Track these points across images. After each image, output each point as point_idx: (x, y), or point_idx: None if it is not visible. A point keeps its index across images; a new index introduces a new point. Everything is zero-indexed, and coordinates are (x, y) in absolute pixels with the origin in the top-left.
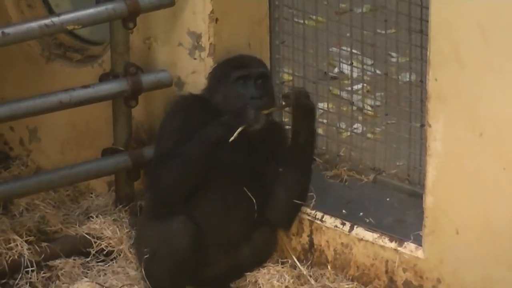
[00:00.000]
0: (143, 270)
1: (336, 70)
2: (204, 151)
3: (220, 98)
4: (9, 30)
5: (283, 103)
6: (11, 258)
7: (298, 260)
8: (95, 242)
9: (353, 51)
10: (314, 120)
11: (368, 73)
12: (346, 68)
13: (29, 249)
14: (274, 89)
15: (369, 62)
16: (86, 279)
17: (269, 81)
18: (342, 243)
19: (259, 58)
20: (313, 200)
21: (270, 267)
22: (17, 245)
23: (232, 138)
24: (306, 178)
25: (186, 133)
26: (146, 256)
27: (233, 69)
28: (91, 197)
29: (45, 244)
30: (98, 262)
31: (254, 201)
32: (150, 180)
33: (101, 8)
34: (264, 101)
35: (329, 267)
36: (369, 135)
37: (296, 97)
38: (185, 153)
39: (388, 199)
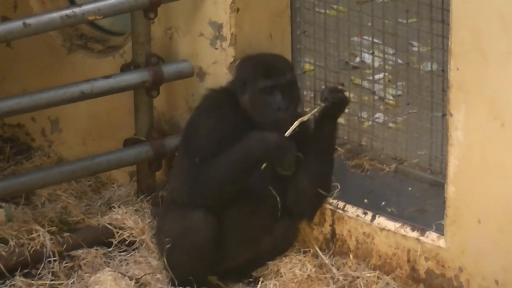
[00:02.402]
0: (164, 260)
1: (357, 59)
2: (248, 166)
3: (246, 101)
4: (31, 20)
5: (320, 104)
6: (33, 249)
7: (320, 249)
8: (117, 232)
9: (375, 40)
10: (343, 112)
11: (390, 62)
12: (367, 58)
13: (51, 239)
14: (300, 93)
15: (391, 51)
16: (108, 268)
17: (296, 86)
18: (364, 233)
19: (286, 60)
20: (337, 191)
21: (292, 257)
22: (39, 235)
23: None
24: (329, 168)
25: (223, 132)
26: (167, 246)
27: (260, 77)
28: (113, 187)
29: (67, 234)
30: (120, 252)
31: (278, 199)
32: (192, 179)
33: None
34: (289, 111)
35: (351, 256)
36: (390, 124)
37: (332, 94)
38: (230, 162)
39: (409, 188)
